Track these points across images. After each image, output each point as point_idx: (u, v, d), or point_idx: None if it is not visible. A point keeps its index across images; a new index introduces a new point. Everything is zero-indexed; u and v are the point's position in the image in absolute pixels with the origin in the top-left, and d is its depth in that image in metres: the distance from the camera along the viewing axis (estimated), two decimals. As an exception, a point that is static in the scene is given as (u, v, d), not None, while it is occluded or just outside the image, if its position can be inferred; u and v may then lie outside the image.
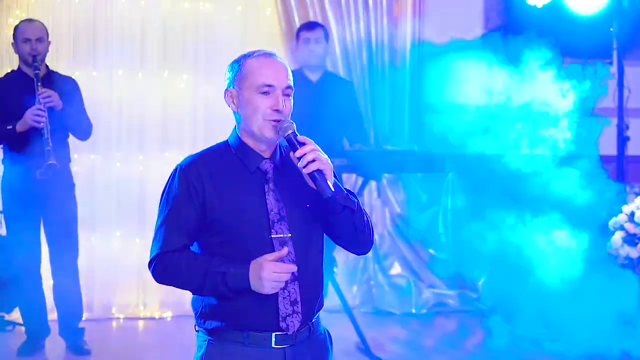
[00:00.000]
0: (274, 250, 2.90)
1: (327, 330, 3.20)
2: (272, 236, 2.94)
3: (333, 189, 2.86)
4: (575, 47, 7.86)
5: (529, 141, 6.75)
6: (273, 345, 2.96)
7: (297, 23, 7.50)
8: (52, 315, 6.43)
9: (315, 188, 2.87)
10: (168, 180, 3.03)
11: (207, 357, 3.02)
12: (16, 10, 7.22)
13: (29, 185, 6.03)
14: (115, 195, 7.42)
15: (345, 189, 3.02)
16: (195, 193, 2.95)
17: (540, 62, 7.42)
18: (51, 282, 6.39)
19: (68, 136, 6.34)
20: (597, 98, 6.87)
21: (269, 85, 2.94)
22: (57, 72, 6.34)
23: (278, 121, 2.93)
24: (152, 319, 7.38)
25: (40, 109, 5.95)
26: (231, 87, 3.02)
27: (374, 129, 7.72)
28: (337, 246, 3.17)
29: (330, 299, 6.70)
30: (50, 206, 6.15)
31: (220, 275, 2.88)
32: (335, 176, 3.01)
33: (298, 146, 2.87)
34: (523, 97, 6.90)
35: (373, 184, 7.65)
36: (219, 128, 7.09)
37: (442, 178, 7.82)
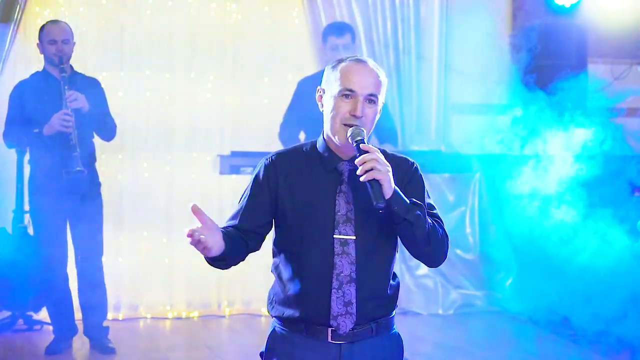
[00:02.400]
0: (334, 250, 3.01)
1: (399, 336, 3.24)
2: (335, 236, 3.01)
3: (384, 200, 2.89)
4: (604, 48, 7.81)
5: (554, 141, 6.72)
6: (329, 340, 3.05)
7: (324, 21, 7.48)
8: (78, 314, 6.46)
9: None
10: (254, 170, 3.19)
11: (271, 340, 3.19)
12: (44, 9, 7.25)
13: (55, 185, 6.06)
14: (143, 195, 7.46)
15: (411, 200, 3.01)
16: (268, 186, 3.11)
17: (567, 63, 7.39)
18: (77, 280, 6.41)
19: (93, 136, 6.37)
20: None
21: (351, 90, 3.02)
22: (81, 73, 6.37)
23: (353, 126, 3.01)
24: (179, 318, 7.40)
25: (68, 114, 5.99)
26: (321, 87, 3.15)
27: (401, 129, 7.70)
28: None
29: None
30: (76, 205, 6.17)
31: None
32: (422, 185, 3.18)
33: (360, 154, 2.93)
34: (548, 99, 6.87)
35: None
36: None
37: (469, 178, 7.78)
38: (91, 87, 6.31)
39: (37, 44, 6.26)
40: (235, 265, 3.12)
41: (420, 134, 7.84)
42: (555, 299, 6.88)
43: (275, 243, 3.18)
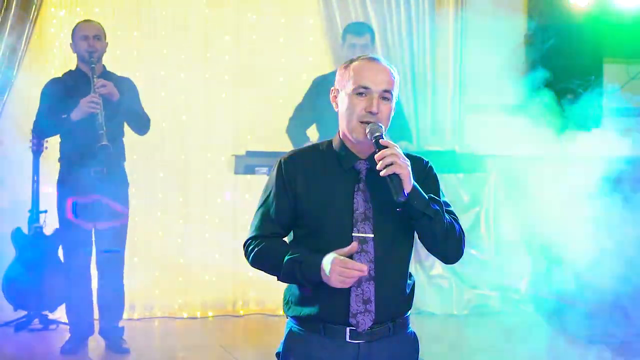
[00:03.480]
0: None
1: (416, 335, 3.26)
2: (353, 234, 3.02)
3: (406, 195, 2.92)
4: (619, 47, 7.79)
5: (569, 141, 6.71)
6: (347, 339, 3.06)
7: (339, 22, 7.48)
8: (95, 314, 6.47)
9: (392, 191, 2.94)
10: (271, 171, 3.19)
11: (288, 342, 3.19)
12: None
13: (83, 184, 6.09)
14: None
15: (429, 196, 3.04)
16: (288, 185, 3.11)
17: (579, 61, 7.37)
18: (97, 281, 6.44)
19: (124, 134, 6.40)
20: None
21: (365, 87, 3.04)
22: (113, 73, 6.41)
23: (370, 123, 3.02)
24: (194, 318, 7.41)
25: (95, 97, 6.03)
26: (335, 87, 3.16)
27: (416, 129, 7.69)
28: None
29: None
30: (104, 204, 6.19)
31: (298, 264, 2.99)
32: (437, 184, 3.19)
33: (379, 149, 2.94)
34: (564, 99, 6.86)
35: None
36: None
37: (484, 179, 7.77)
38: (123, 84, 6.34)
39: (70, 43, 6.31)
40: None
41: (435, 134, 7.83)
42: (571, 299, 6.85)
43: (291, 242, 3.18)
